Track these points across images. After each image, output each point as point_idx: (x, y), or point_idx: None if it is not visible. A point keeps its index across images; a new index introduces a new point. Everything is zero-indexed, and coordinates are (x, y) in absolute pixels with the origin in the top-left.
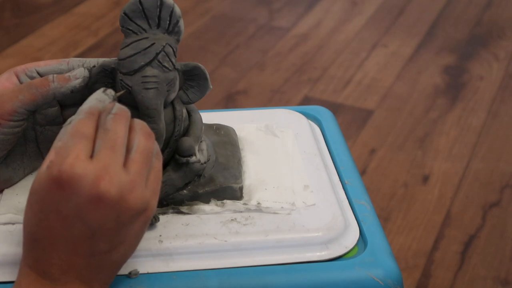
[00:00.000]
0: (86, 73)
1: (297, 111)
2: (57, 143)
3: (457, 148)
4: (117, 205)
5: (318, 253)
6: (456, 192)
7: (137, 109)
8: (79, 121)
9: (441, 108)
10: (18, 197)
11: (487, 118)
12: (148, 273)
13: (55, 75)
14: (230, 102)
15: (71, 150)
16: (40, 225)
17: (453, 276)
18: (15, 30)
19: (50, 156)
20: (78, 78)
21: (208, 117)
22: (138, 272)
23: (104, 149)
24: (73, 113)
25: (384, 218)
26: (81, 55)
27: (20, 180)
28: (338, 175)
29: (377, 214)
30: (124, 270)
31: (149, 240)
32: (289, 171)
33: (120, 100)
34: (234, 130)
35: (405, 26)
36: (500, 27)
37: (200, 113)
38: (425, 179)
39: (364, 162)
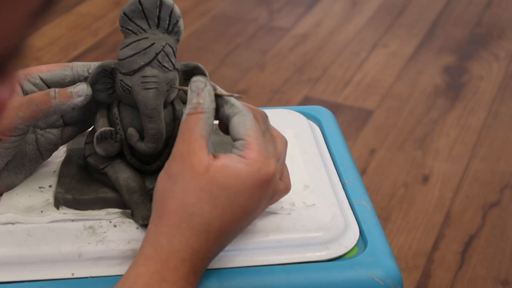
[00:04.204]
0: (89, 91)
1: (297, 111)
2: (258, 146)
3: (457, 148)
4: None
5: (318, 253)
6: (456, 192)
7: (137, 109)
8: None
9: (441, 108)
10: (18, 197)
11: (487, 118)
12: None
13: (56, 90)
14: None
15: (269, 154)
16: (222, 218)
17: (453, 276)
18: None
19: (256, 159)
20: (81, 96)
21: None
22: None
23: (275, 154)
24: (73, 118)
25: (384, 218)
26: (81, 55)
27: (21, 182)
28: (338, 175)
29: (377, 214)
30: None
31: None
32: (289, 171)
33: (120, 100)
34: None
35: (405, 26)
36: (500, 27)
37: None
38: (425, 179)
39: (364, 162)
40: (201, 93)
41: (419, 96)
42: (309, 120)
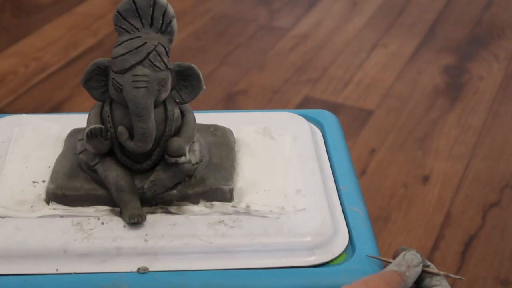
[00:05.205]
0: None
1: (300, 114)
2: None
3: (457, 148)
4: None
5: (304, 259)
6: (456, 192)
7: (128, 108)
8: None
9: (441, 108)
10: (11, 191)
11: (487, 118)
12: (131, 272)
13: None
14: (230, 102)
15: None
16: None
17: None
18: (15, 30)
19: None
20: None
21: (209, 118)
22: (147, 268)
23: None
24: None
25: (384, 218)
26: (81, 55)
27: None
28: (335, 180)
29: (376, 214)
30: (122, 267)
31: (134, 238)
32: (283, 174)
33: (112, 99)
34: (231, 132)
35: (405, 26)
36: (500, 27)
37: (200, 114)
38: (425, 179)
39: (364, 162)
40: (411, 268)
41: (419, 96)
42: (311, 124)
